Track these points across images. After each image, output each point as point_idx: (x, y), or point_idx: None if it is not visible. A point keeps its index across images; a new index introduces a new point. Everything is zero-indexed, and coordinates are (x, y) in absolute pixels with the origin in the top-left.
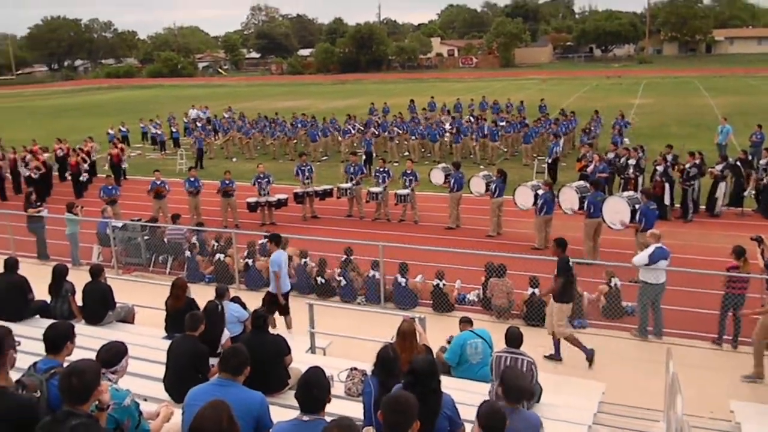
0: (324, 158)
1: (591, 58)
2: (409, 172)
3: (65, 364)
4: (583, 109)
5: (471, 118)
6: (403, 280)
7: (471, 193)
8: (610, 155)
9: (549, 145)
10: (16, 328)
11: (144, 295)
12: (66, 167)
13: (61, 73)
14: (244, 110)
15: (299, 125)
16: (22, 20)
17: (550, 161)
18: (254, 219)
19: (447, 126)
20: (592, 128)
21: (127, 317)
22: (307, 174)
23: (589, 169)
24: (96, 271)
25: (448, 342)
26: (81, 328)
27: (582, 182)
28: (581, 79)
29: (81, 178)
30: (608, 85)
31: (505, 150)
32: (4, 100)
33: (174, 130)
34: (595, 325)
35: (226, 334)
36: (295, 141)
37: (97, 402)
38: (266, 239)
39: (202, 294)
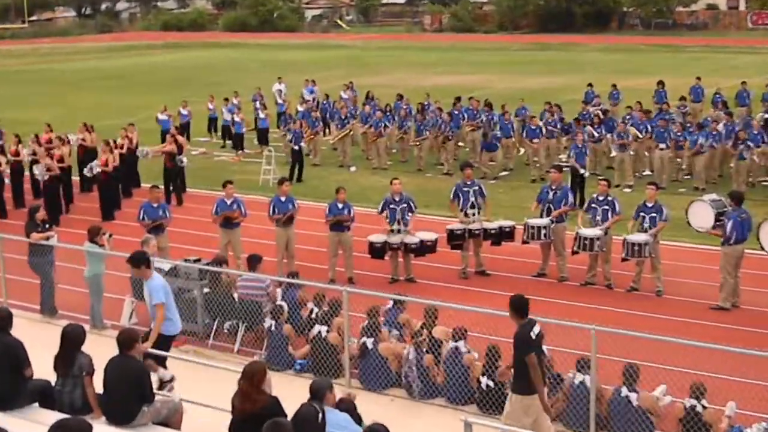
0: (503, 173)
1: None
2: (650, 205)
3: None
4: None
5: None
6: (632, 394)
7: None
8: None
9: None
10: (3, 420)
11: (198, 385)
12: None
13: (94, 21)
14: (373, 89)
15: (464, 116)
16: None
17: None
18: (379, 269)
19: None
20: None
21: (171, 418)
22: (472, 199)
23: None
24: (127, 341)
25: None
26: (100, 428)
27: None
28: None
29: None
30: None
31: None
32: (7, 60)
33: (262, 116)
34: None
35: None
36: (454, 142)
37: None
38: (131, 262)
39: (290, 390)
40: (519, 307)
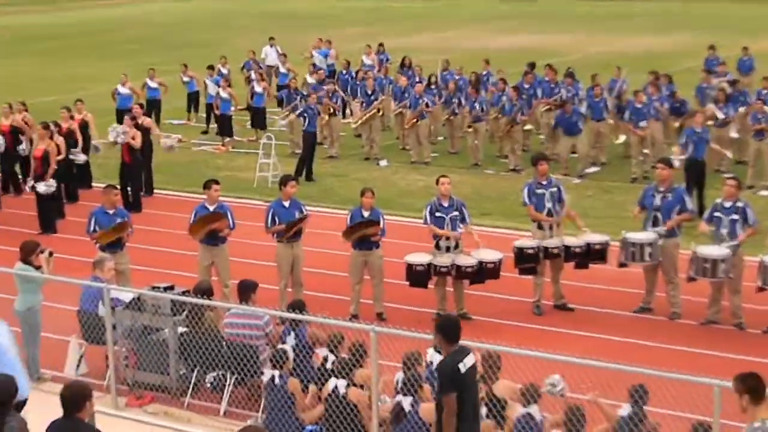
0: (592, 169)
1: None
2: (728, 205)
3: None
4: None
5: None
6: None
7: None
8: None
9: None
10: None
11: None
12: (16, 158)
13: None
14: (411, 53)
15: (536, 92)
16: None
17: None
18: (421, 301)
19: None
20: None
21: None
22: (548, 205)
23: None
24: (75, 398)
25: None
26: None
27: None
28: None
29: (48, 187)
30: None
31: None
32: None
33: (258, 90)
34: None
35: None
36: (523, 127)
37: None
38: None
39: None
40: (447, 329)
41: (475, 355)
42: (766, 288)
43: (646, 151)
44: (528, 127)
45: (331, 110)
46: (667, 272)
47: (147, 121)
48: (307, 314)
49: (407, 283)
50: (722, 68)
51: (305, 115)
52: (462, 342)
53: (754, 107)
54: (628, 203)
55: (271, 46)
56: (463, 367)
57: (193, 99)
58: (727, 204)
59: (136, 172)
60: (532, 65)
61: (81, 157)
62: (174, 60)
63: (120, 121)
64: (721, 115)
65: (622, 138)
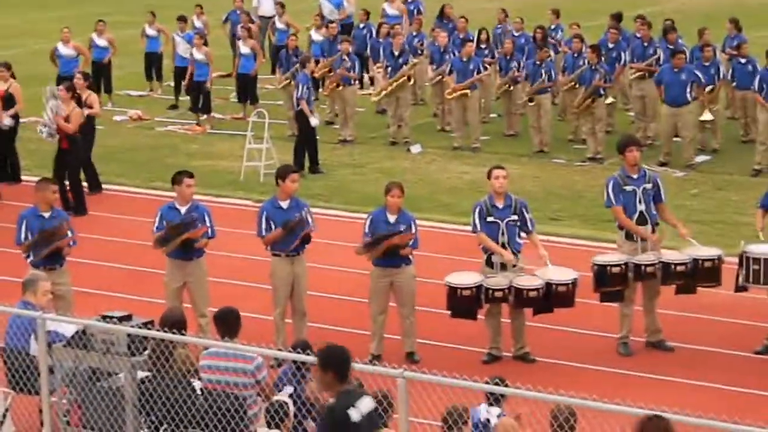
0: (700, 158)
1: None
2: None
3: None
4: None
5: None
6: None
7: None
8: None
9: None
10: None
11: None
12: None
13: None
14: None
15: (619, 55)
16: None
17: None
18: (467, 338)
19: None
20: None
21: None
22: (640, 206)
23: None
24: None
25: None
26: None
27: None
28: None
29: None
30: None
31: None
32: None
33: (245, 51)
34: None
35: None
36: (605, 100)
37: None
38: None
39: None
40: (333, 364)
41: (367, 400)
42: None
43: None
44: (611, 100)
45: (337, 83)
46: None
47: (91, 98)
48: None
49: (449, 312)
50: None
51: (299, 86)
52: (523, 392)
53: None
54: (748, 204)
55: None
56: (355, 415)
57: (154, 61)
58: None
59: (77, 162)
60: (618, 17)
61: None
62: (132, 8)
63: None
64: None
65: (707, 115)
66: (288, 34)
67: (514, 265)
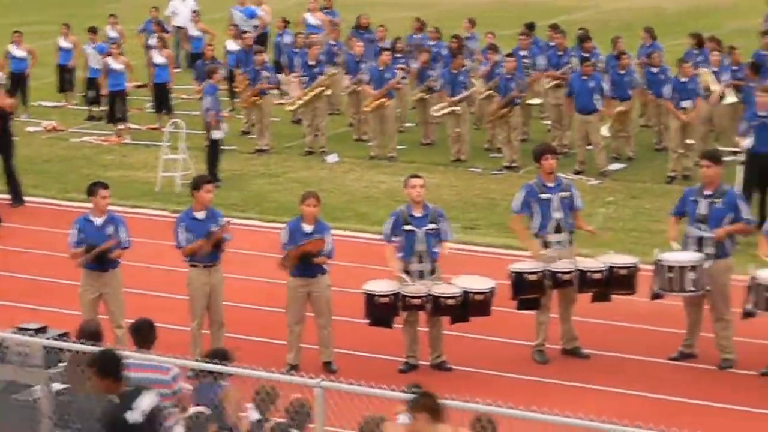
0: (614, 166)
1: None
2: None
3: None
4: None
5: None
6: None
7: None
8: None
9: None
10: None
11: None
12: None
13: None
14: (369, 9)
15: (534, 61)
16: None
17: None
18: (384, 347)
19: None
20: None
21: None
22: (557, 215)
23: None
24: None
25: None
26: None
27: None
28: None
29: None
30: None
31: None
32: None
33: (160, 61)
34: None
35: None
36: (522, 107)
37: None
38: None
39: None
40: (104, 365)
41: (147, 396)
42: (754, 314)
43: (690, 141)
44: (536, 101)
45: (256, 94)
46: (715, 306)
47: (8, 103)
48: (234, 365)
49: (366, 321)
50: None
51: (206, 96)
52: (438, 401)
53: None
54: (662, 212)
55: (182, 0)
56: (129, 417)
57: (67, 73)
58: None
59: None
60: (530, 26)
61: None
62: (49, 19)
63: None
64: None
65: (605, 130)
66: (204, 42)
67: (433, 271)
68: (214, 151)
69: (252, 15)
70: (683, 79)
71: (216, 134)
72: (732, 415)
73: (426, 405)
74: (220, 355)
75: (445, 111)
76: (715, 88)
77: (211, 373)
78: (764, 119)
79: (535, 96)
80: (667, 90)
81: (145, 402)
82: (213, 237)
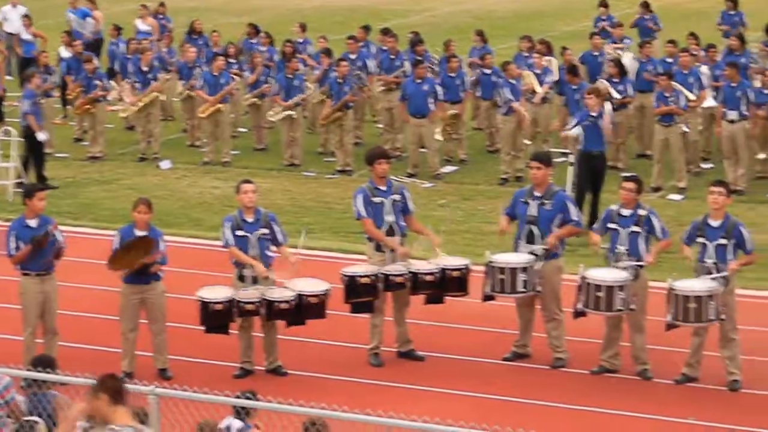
0: (447, 169)
1: None
2: (716, 224)
3: None
4: None
5: None
6: None
7: None
8: None
9: None
10: None
11: None
12: None
13: None
14: (202, 15)
15: (365, 65)
16: None
17: None
18: (218, 353)
19: None
20: None
21: None
22: (389, 218)
23: None
24: None
25: None
26: None
27: None
28: None
29: None
30: None
31: None
32: None
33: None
34: None
35: None
36: (355, 113)
37: None
38: None
39: None
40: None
41: None
42: (677, 325)
43: (527, 141)
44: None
45: (88, 103)
46: (547, 306)
47: None
48: (62, 373)
49: (202, 327)
50: (617, 31)
51: (23, 101)
52: (274, 406)
53: (660, 83)
54: (495, 213)
55: (14, 5)
56: None
57: None
58: (626, 212)
59: None
60: (366, 29)
61: None
62: None
63: None
64: (616, 95)
65: (437, 135)
66: (35, 47)
67: (266, 278)
68: (39, 153)
69: (85, 15)
70: (513, 81)
71: (41, 136)
72: (565, 413)
73: (107, 386)
74: (45, 362)
75: (282, 115)
76: (539, 89)
77: (36, 381)
78: (595, 119)
79: (371, 105)
80: (504, 91)
81: None
82: (35, 241)
